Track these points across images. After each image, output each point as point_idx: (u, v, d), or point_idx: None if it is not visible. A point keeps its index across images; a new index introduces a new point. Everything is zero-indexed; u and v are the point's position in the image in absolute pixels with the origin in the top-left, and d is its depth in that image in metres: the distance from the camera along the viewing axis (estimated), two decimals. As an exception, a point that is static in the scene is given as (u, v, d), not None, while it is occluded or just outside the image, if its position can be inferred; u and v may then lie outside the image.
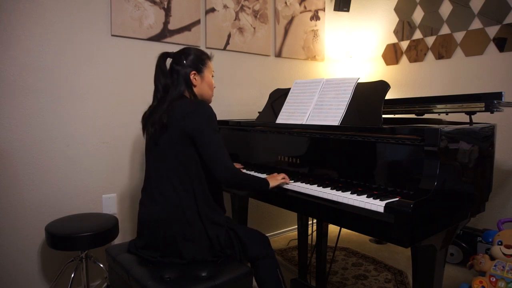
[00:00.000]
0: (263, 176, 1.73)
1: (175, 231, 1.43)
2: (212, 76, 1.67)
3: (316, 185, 1.51)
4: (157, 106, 1.55)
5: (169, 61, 1.62)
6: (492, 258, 1.98)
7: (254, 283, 1.51)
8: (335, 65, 3.37)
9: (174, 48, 1.70)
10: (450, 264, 2.43)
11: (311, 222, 2.19)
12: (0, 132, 1.84)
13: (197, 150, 1.45)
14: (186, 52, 1.60)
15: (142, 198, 1.57)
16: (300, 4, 3.08)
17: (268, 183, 1.55)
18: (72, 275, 1.83)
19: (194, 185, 1.46)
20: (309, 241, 2.18)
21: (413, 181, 1.29)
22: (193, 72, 1.57)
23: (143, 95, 2.23)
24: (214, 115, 1.49)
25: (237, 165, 1.94)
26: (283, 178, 1.60)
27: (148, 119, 1.56)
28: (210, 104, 1.56)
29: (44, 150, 1.97)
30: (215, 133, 1.45)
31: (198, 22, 2.49)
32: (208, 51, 1.70)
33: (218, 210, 1.53)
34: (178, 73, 1.56)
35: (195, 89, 1.59)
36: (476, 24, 2.56)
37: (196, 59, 1.59)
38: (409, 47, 2.97)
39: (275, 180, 1.57)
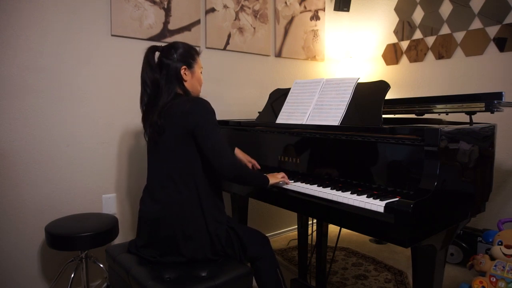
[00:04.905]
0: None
1: (175, 229, 1.43)
2: (201, 72, 1.64)
3: (316, 185, 1.51)
4: (151, 105, 1.54)
5: (157, 55, 1.60)
6: (492, 258, 1.98)
7: (254, 283, 1.51)
8: (335, 65, 3.37)
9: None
10: (450, 264, 2.43)
11: (311, 222, 2.19)
12: (0, 132, 1.84)
13: (198, 146, 1.45)
14: (175, 46, 1.57)
15: (143, 196, 1.57)
16: (300, 4, 3.07)
17: (268, 180, 1.55)
18: (72, 275, 1.83)
19: (196, 182, 1.46)
20: (309, 241, 2.18)
21: (413, 181, 1.29)
22: (184, 67, 1.54)
23: (143, 95, 2.22)
24: (213, 110, 1.48)
25: (253, 161, 1.89)
26: (283, 177, 1.60)
27: (146, 120, 1.56)
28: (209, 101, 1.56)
29: (44, 150, 1.97)
30: (214, 127, 1.45)
31: (198, 22, 2.49)
32: (208, 52, 1.70)
33: (220, 207, 1.54)
34: (168, 67, 1.53)
35: (186, 84, 1.56)
36: (476, 24, 2.56)
37: (186, 54, 1.56)
38: (409, 47, 2.97)
39: (274, 178, 1.58)
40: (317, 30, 3.22)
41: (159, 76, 1.54)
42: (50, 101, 1.97)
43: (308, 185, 1.52)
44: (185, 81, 1.56)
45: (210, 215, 1.47)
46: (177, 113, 1.45)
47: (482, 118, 1.96)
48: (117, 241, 2.04)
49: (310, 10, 3.16)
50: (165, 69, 1.54)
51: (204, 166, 1.48)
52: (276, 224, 3.07)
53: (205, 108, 1.47)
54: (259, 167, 1.85)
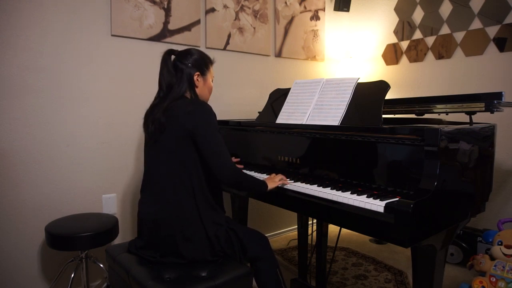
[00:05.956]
0: (263, 176, 1.74)
1: (174, 230, 1.43)
2: (212, 80, 1.68)
3: (316, 185, 1.51)
4: (158, 104, 1.55)
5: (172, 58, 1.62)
6: (492, 258, 1.98)
7: (254, 283, 1.51)
8: (335, 65, 3.37)
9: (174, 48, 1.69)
10: (450, 264, 2.43)
11: (311, 222, 2.19)
12: (0, 132, 1.84)
13: (197, 149, 1.45)
14: (191, 52, 1.61)
15: (141, 198, 1.57)
16: (300, 4, 3.07)
17: (266, 185, 1.55)
18: (72, 275, 1.83)
19: (194, 184, 1.46)
20: (309, 241, 2.18)
21: (413, 181, 1.29)
22: (197, 73, 1.57)
23: (143, 95, 2.22)
24: (214, 114, 1.49)
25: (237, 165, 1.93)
26: (281, 180, 1.60)
27: (149, 116, 1.56)
28: (210, 104, 1.56)
29: (45, 150, 1.97)
30: (215, 131, 1.46)
31: (198, 22, 2.49)
32: (208, 52, 1.71)
33: (217, 209, 1.53)
34: (182, 72, 1.56)
35: (196, 90, 1.59)
36: (476, 24, 2.56)
37: (200, 61, 1.60)
38: (409, 47, 2.97)
39: (273, 182, 1.58)
40: (317, 30, 3.22)
41: (175, 79, 1.56)
42: (50, 101, 1.97)
43: (308, 185, 1.52)
44: (197, 87, 1.59)
45: (208, 217, 1.46)
46: (179, 114, 1.45)
47: (482, 118, 1.96)
48: (117, 241, 2.04)
49: (310, 10, 3.16)
50: (180, 73, 1.56)
51: (203, 168, 1.48)
52: (276, 224, 3.07)
53: (206, 111, 1.47)
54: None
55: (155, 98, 1.60)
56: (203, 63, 1.60)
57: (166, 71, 1.56)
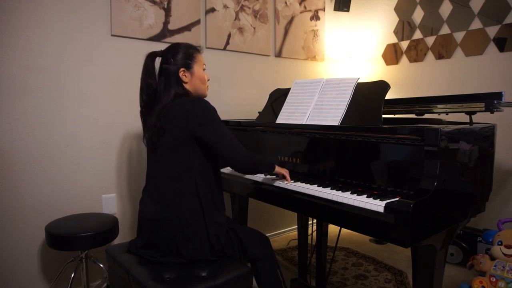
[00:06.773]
0: (263, 177, 1.74)
1: (175, 230, 1.43)
2: (204, 69, 1.63)
3: (316, 185, 1.51)
4: (149, 109, 1.54)
5: (158, 60, 1.61)
6: (492, 258, 1.98)
7: (254, 283, 1.52)
8: (335, 65, 3.37)
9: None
10: (450, 264, 2.43)
11: (311, 222, 2.19)
12: (0, 132, 1.84)
13: (207, 145, 1.44)
14: (173, 49, 1.58)
15: (142, 197, 1.57)
16: (300, 4, 3.08)
17: (274, 167, 1.61)
18: (72, 275, 1.83)
19: (197, 184, 1.45)
20: (309, 241, 2.18)
21: (413, 181, 1.29)
22: (182, 69, 1.55)
23: (143, 95, 2.22)
24: (213, 108, 1.47)
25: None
26: (286, 173, 1.63)
27: (145, 124, 1.56)
28: (208, 101, 1.55)
29: (44, 150, 1.97)
30: (218, 124, 1.45)
31: (198, 22, 2.49)
32: (208, 52, 1.70)
33: (220, 208, 1.54)
34: (167, 72, 1.54)
35: (186, 86, 1.56)
36: (476, 24, 2.56)
37: (183, 55, 1.56)
38: (409, 47, 2.97)
39: (280, 168, 1.63)
40: (317, 30, 3.22)
41: (158, 81, 1.56)
42: (50, 101, 1.97)
43: (308, 185, 1.52)
44: (185, 82, 1.56)
45: (210, 217, 1.46)
46: (177, 114, 1.44)
47: (482, 118, 1.95)
48: (117, 241, 2.04)
49: (310, 10, 3.16)
50: (164, 74, 1.55)
51: (205, 167, 1.48)
52: (276, 224, 3.07)
53: (205, 106, 1.46)
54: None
55: (141, 102, 1.58)
56: (186, 56, 1.56)
57: (145, 74, 1.56)
